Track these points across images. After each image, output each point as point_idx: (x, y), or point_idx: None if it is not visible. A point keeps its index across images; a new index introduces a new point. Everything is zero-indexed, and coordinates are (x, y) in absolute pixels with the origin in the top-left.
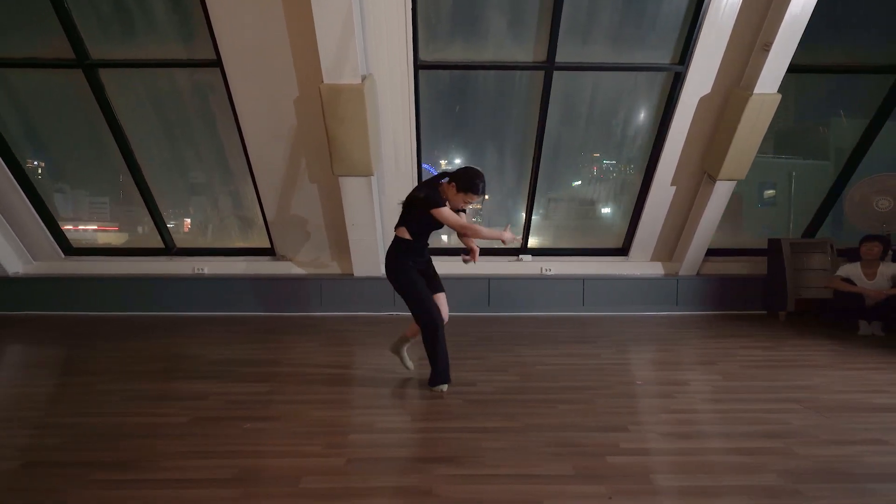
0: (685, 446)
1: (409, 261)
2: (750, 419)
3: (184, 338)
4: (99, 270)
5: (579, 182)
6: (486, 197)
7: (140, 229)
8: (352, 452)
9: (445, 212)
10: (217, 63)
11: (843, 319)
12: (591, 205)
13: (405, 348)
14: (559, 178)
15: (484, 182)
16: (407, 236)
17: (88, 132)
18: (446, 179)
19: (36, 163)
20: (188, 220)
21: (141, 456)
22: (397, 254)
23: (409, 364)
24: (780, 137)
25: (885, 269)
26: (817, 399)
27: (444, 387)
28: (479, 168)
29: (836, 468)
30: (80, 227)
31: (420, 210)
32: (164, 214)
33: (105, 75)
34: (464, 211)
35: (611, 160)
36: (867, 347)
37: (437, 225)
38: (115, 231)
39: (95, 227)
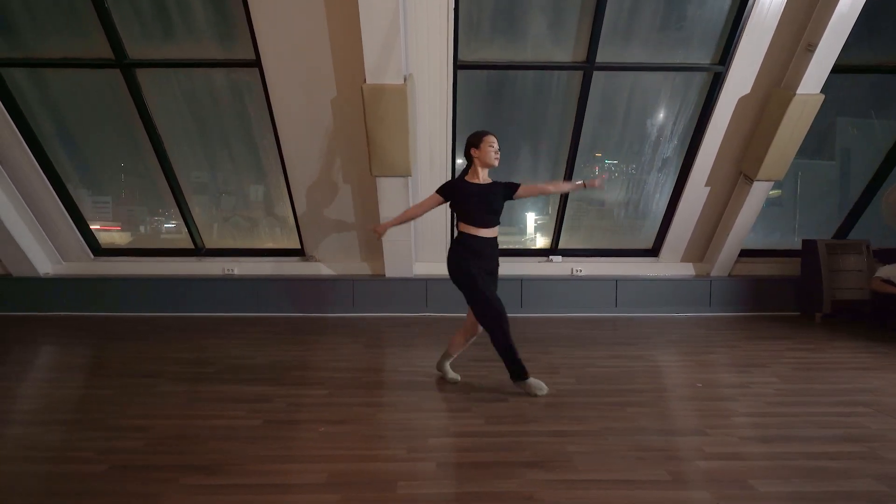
0: (770, 450)
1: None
2: (824, 423)
3: (219, 339)
4: (128, 271)
5: (614, 181)
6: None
7: (168, 229)
8: (439, 457)
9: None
10: (256, 63)
11: (881, 321)
12: (625, 206)
13: (448, 364)
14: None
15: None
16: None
17: (123, 132)
18: (467, 163)
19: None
20: (215, 223)
21: (226, 459)
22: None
23: (454, 376)
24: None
25: None
26: (882, 402)
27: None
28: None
29: None
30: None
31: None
32: (194, 214)
33: (142, 75)
34: (498, 158)
35: (638, 161)
36: None
37: (462, 209)
38: (124, 231)
39: (118, 228)
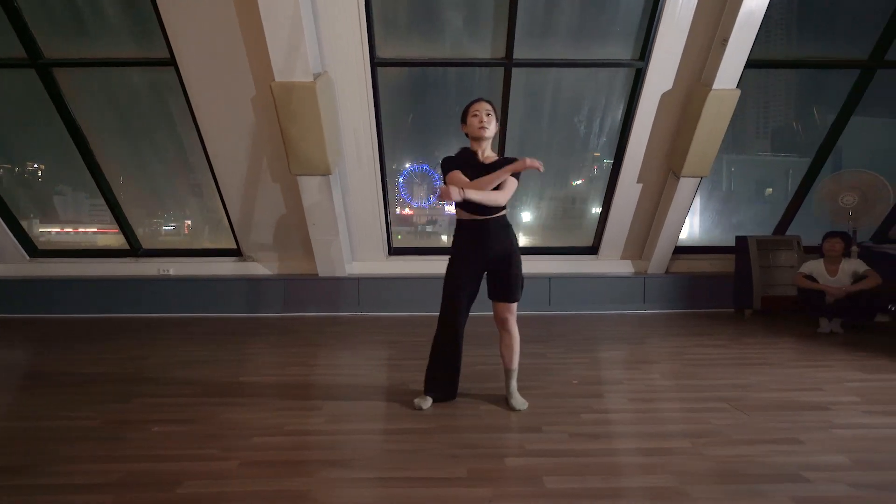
0: (590, 447)
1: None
2: (669, 419)
3: (130, 341)
4: (64, 272)
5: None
6: (488, 105)
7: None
8: (248, 455)
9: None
10: (171, 62)
11: (806, 317)
12: (574, 203)
13: (513, 384)
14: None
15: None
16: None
17: (47, 133)
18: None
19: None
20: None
21: (36, 461)
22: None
23: (521, 404)
24: (777, 135)
25: (847, 265)
26: (748, 398)
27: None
28: None
29: (733, 469)
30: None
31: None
32: (129, 215)
33: (60, 75)
34: (485, 127)
35: (569, 157)
36: (823, 345)
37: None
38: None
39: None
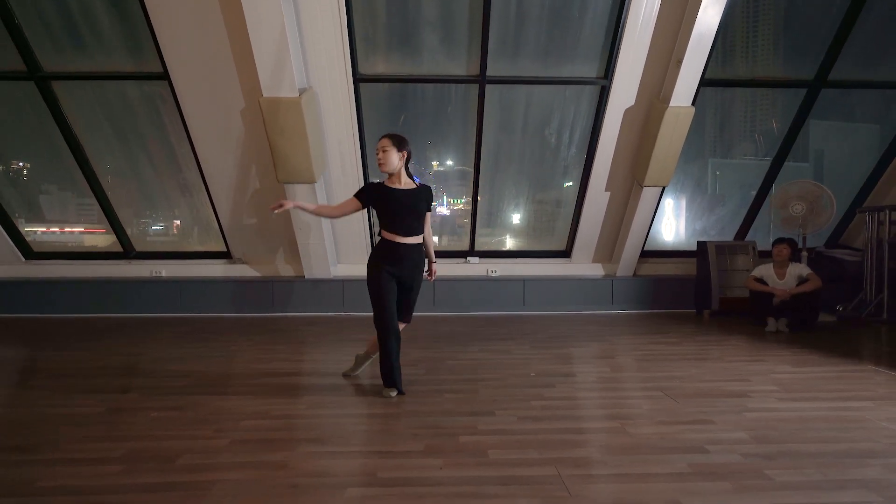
0: (533, 427)
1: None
2: (607, 405)
3: (125, 338)
4: (59, 274)
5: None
6: (384, 140)
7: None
8: (237, 435)
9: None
10: (165, 76)
11: (757, 317)
12: (547, 208)
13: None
14: (501, 183)
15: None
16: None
17: (46, 141)
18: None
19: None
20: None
21: (43, 441)
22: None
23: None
24: (766, 141)
25: (794, 269)
26: (682, 388)
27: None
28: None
29: (649, 444)
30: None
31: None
32: (122, 219)
33: (58, 87)
34: (381, 163)
35: (541, 167)
36: (768, 342)
37: (384, 207)
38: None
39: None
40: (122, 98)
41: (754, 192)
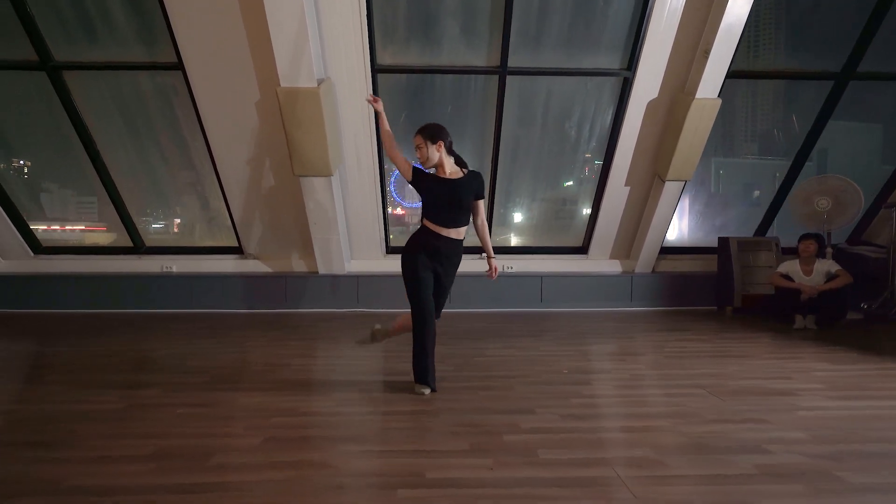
0: (578, 426)
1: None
2: (650, 402)
3: (139, 334)
4: (68, 269)
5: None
6: (417, 137)
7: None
8: (270, 433)
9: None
10: (179, 66)
11: (782, 314)
12: (564, 204)
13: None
14: (519, 178)
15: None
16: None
17: (55, 134)
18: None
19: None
20: (156, 219)
21: (69, 437)
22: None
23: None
24: (764, 139)
25: (821, 265)
26: (723, 385)
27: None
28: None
29: (705, 443)
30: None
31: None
32: (133, 214)
33: (70, 78)
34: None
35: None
36: (797, 340)
37: (426, 196)
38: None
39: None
40: (134, 90)
41: (758, 192)
